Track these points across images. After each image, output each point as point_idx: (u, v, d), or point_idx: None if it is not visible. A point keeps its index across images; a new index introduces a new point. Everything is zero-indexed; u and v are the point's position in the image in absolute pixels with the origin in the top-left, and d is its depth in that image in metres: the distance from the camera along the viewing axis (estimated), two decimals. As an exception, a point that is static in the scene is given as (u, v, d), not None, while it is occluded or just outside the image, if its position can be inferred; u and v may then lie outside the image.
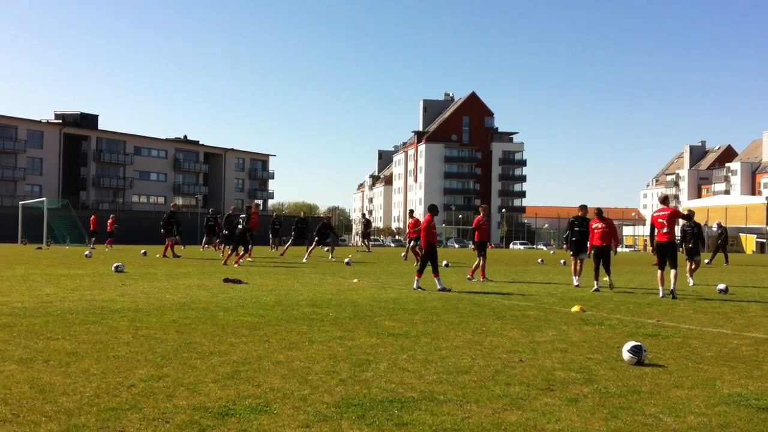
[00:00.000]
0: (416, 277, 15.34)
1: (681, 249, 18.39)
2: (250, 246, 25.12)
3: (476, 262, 18.73)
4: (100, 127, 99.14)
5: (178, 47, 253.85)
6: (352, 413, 4.87)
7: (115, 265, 19.05)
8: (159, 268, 21.03)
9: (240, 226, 23.86)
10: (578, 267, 17.17)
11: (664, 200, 15.03)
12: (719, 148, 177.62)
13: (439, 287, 14.88)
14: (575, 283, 16.89)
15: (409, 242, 27.23)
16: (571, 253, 17.39)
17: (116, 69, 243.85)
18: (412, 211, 28.26)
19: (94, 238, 40.75)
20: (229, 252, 24.37)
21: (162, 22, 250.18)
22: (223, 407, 4.94)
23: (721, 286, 15.79)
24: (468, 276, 18.77)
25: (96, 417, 4.64)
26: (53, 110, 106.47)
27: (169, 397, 5.19)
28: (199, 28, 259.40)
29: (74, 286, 14.21)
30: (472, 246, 20.17)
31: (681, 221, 17.80)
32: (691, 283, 17.95)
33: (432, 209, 15.52)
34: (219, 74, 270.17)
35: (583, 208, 17.53)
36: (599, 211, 16.30)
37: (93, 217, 41.85)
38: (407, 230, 27.57)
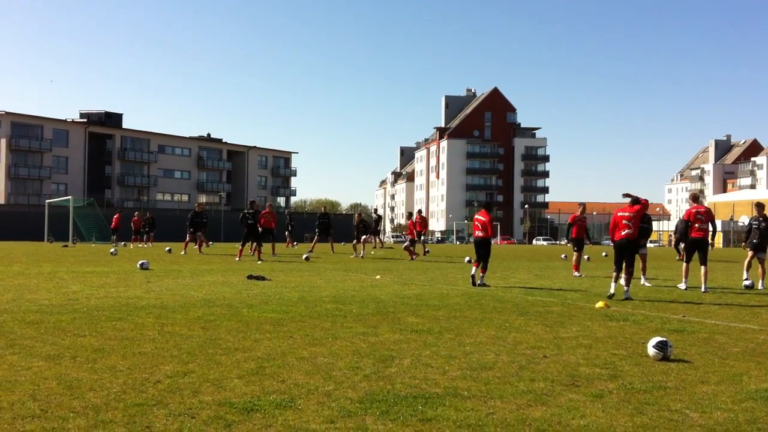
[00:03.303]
0: (481, 274, 15.14)
1: (744, 245, 17.51)
2: (272, 243, 25.70)
3: (575, 257, 19.25)
4: (125, 125, 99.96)
5: (201, 46, 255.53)
6: (376, 409, 4.88)
7: (140, 262, 19.22)
8: (183, 265, 21.19)
9: (250, 222, 25.01)
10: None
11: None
12: (745, 142, 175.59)
13: (479, 282, 14.93)
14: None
15: (412, 240, 27.95)
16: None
17: (140, 68, 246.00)
18: (411, 213, 28.89)
19: (114, 236, 41.11)
20: (254, 248, 25.00)
21: (185, 22, 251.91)
22: (248, 403, 4.97)
23: (747, 282, 15.47)
24: (575, 273, 18.96)
25: (123, 413, 4.69)
26: (78, 109, 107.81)
27: (194, 393, 5.23)
28: (221, 27, 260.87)
29: (100, 283, 14.35)
30: (566, 241, 20.86)
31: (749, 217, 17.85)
32: (760, 286, 15.99)
33: (488, 207, 15.88)
34: (242, 72, 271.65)
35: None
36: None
37: (117, 215, 42.13)
38: (408, 229, 28.23)
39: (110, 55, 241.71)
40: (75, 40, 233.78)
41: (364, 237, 28.46)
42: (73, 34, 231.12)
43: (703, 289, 14.27)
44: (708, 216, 14.62)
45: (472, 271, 15.19)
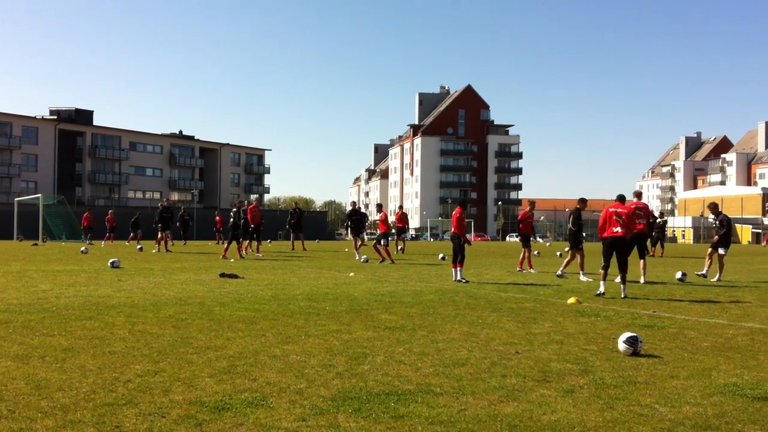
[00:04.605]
0: (456, 269, 15.54)
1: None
2: (247, 241, 25.56)
3: (522, 254, 19.77)
4: (95, 122, 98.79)
5: (172, 42, 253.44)
6: (349, 406, 4.87)
7: (110, 261, 19.02)
8: (155, 263, 21.01)
9: (231, 220, 24.77)
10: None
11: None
12: (715, 139, 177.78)
13: (456, 278, 15.32)
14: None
15: (384, 234, 24.41)
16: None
17: (111, 64, 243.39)
18: (380, 206, 26.65)
19: (90, 234, 40.68)
20: (227, 245, 24.91)
21: (156, 18, 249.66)
22: (219, 401, 4.94)
23: (679, 274, 15.74)
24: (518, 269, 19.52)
25: (92, 412, 4.64)
26: (48, 106, 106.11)
27: (165, 392, 5.18)
28: (193, 23, 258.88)
29: (70, 282, 14.18)
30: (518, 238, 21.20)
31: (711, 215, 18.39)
32: (715, 279, 17.07)
33: (462, 204, 16.03)
34: (214, 69, 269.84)
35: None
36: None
37: (87, 213, 41.63)
38: (378, 224, 24.66)
39: (80, 51, 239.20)
40: (44, 35, 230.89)
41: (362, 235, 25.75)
42: (42, 30, 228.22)
43: (642, 281, 15.42)
44: (645, 212, 15.70)
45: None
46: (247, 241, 26.24)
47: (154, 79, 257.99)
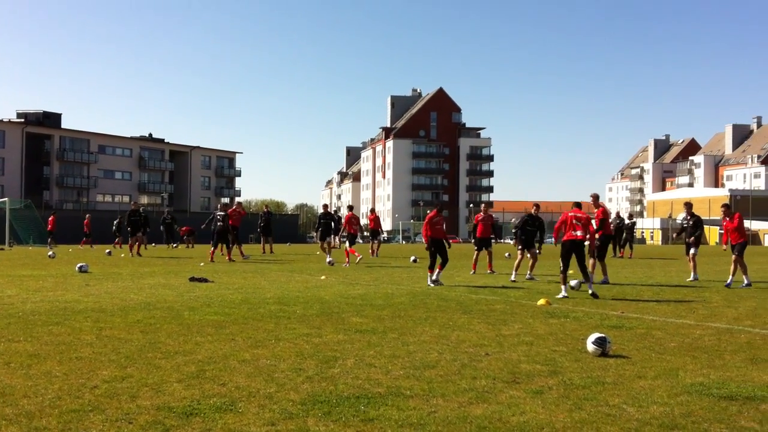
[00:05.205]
0: (429, 273, 15.38)
1: (675, 237, 18.42)
2: (233, 245, 25.47)
3: (474, 257, 19.65)
4: (64, 125, 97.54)
5: (142, 45, 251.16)
6: (318, 410, 4.85)
7: (78, 265, 18.79)
8: (124, 267, 20.79)
9: (219, 224, 24.83)
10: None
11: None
12: (683, 141, 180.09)
13: (432, 280, 15.15)
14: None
15: (351, 235, 24.35)
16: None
17: (79, 67, 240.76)
18: (351, 207, 26.12)
19: (50, 239, 40.07)
20: (212, 250, 25.05)
21: (125, 20, 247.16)
22: (187, 407, 4.89)
23: (573, 282, 14.47)
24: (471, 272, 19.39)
25: (58, 419, 4.58)
26: (15, 109, 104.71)
27: (132, 398, 5.13)
28: (162, 24, 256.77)
29: (37, 287, 13.99)
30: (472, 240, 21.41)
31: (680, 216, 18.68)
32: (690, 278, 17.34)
33: (439, 207, 15.96)
34: (184, 71, 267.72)
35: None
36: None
37: (51, 217, 41.10)
38: (343, 225, 24.20)
39: (49, 53, 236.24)
40: (12, 37, 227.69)
41: (329, 238, 25.00)
42: (9, 32, 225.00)
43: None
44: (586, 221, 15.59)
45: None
46: (226, 246, 25.94)
47: (124, 82, 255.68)
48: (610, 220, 18.51)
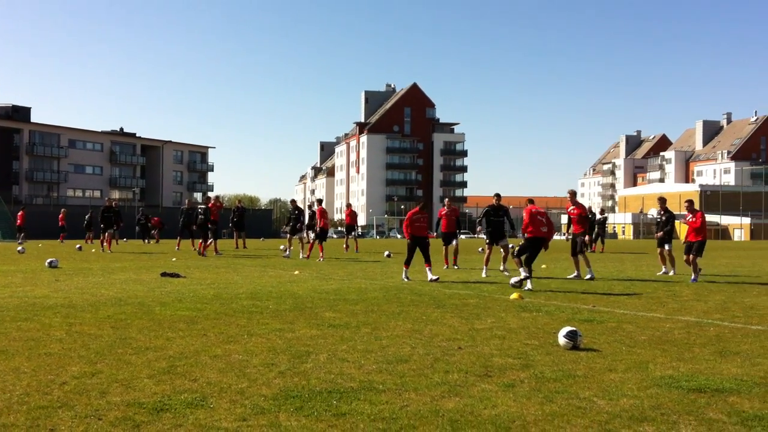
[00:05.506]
0: (405, 269, 15.29)
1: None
2: (212, 240, 25.32)
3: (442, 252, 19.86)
4: (33, 119, 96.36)
5: (112, 37, 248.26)
6: (290, 405, 4.84)
7: (48, 260, 18.56)
8: (94, 263, 20.58)
9: (201, 217, 24.94)
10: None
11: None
12: (654, 137, 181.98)
13: (430, 279, 14.87)
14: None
15: (322, 230, 23.83)
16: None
17: (49, 60, 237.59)
18: (321, 200, 25.50)
19: (23, 234, 39.48)
20: (206, 244, 25.09)
21: (95, 13, 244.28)
22: (158, 402, 4.85)
23: (514, 279, 14.22)
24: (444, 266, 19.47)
25: (26, 416, 4.52)
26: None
27: (102, 394, 5.08)
28: (132, 16, 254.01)
29: (5, 282, 13.80)
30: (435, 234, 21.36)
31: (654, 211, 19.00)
32: (671, 272, 17.71)
33: (423, 204, 15.86)
34: (156, 65, 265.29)
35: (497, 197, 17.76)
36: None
37: (21, 212, 40.53)
38: (317, 219, 23.64)
39: (17, 45, 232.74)
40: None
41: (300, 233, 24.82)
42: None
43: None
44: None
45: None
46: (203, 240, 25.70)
47: (94, 76, 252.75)
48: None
